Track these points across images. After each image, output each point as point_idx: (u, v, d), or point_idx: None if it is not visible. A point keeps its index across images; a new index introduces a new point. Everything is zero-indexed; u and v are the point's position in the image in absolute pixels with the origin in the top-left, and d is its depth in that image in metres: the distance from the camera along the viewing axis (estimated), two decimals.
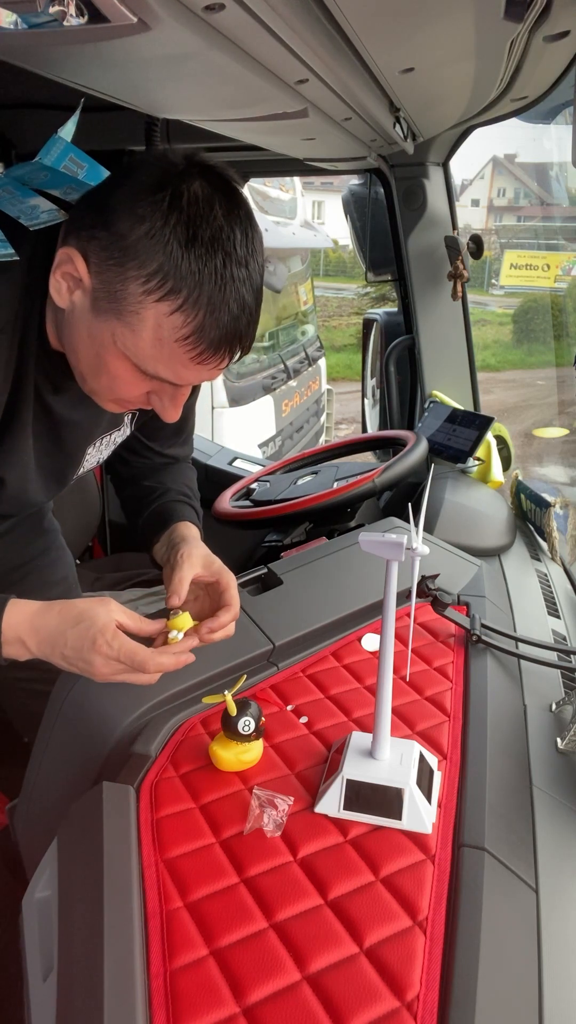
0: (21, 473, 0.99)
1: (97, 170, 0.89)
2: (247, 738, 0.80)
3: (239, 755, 0.80)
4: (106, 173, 0.91)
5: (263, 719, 0.82)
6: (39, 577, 1.31)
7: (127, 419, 1.13)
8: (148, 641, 0.86)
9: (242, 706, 0.80)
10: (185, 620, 0.88)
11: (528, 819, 0.77)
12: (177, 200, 0.76)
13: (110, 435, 1.13)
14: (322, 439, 5.83)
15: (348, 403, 6.87)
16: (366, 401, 2.39)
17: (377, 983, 0.59)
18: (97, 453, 1.13)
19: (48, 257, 0.87)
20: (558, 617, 1.29)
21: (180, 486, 1.20)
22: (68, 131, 0.89)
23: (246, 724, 0.79)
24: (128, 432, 1.15)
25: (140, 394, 0.89)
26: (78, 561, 2.26)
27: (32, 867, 0.76)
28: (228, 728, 0.79)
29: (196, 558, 0.97)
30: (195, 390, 1.14)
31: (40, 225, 0.87)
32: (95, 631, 0.81)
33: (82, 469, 1.13)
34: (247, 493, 1.81)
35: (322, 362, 5.98)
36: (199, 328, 0.79)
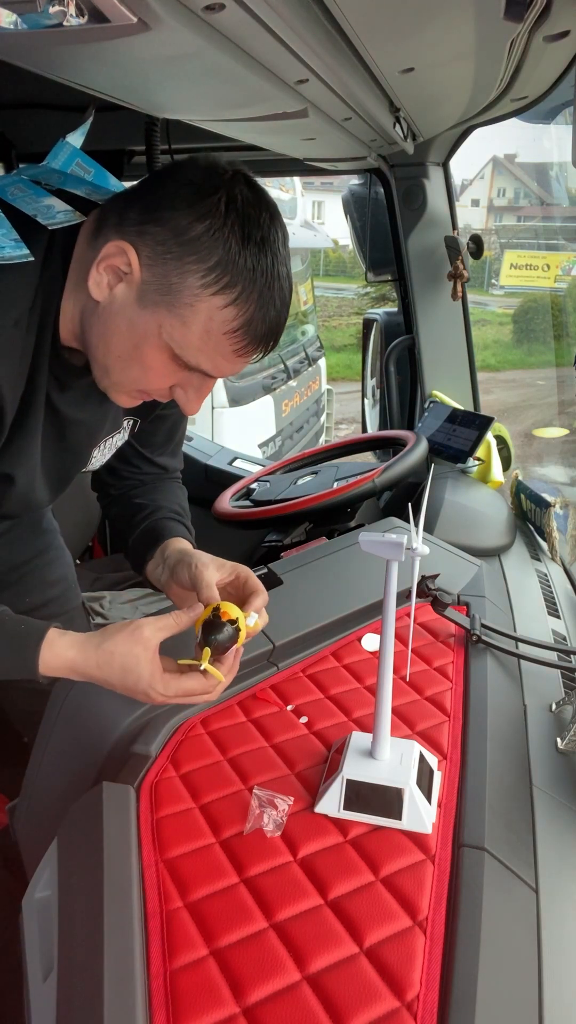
0: (29, 472, 0.99)
1: (104, 175, 0.91)
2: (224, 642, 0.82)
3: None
4: (112, 177, 0.91)
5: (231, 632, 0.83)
6: (37, 576, 1.31)
7: (126, 424, 1.13)
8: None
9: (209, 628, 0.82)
10: (233, 609, 0.86)
11: (528, 819, 0.77)
12: (233, 202, 0.81)
13: (112, 438, 1.13)
14: (322, 439, 5.83)
15: (348, 403, 6.86)
16: (366, 401, 2.39)
17: (377, 983, 0.59)
18: (101, 455, 1.13)
19: (65, 254, 0.88)
20: (558, 617, 1.29)
21: (171, 504, 1.19)
22: (77, 138, 0.89)
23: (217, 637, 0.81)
24: (126, 436, 1.15)
25: (165, 387, 0.91)
26: (78, 561, 2.26)
27: (32, 867, 0.76)
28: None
29: (209, 562, 0.97)
30: None
31: (57, 225, 0.88)
32: (144, 685, 0.81)
33: (86, 469, 1.14)
34: (247, 493, 1.81)
35: (322, 362, 5.98)
36: (248, 322, 0.83)
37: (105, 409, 1.05)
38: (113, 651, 0.81)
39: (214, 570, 0.95)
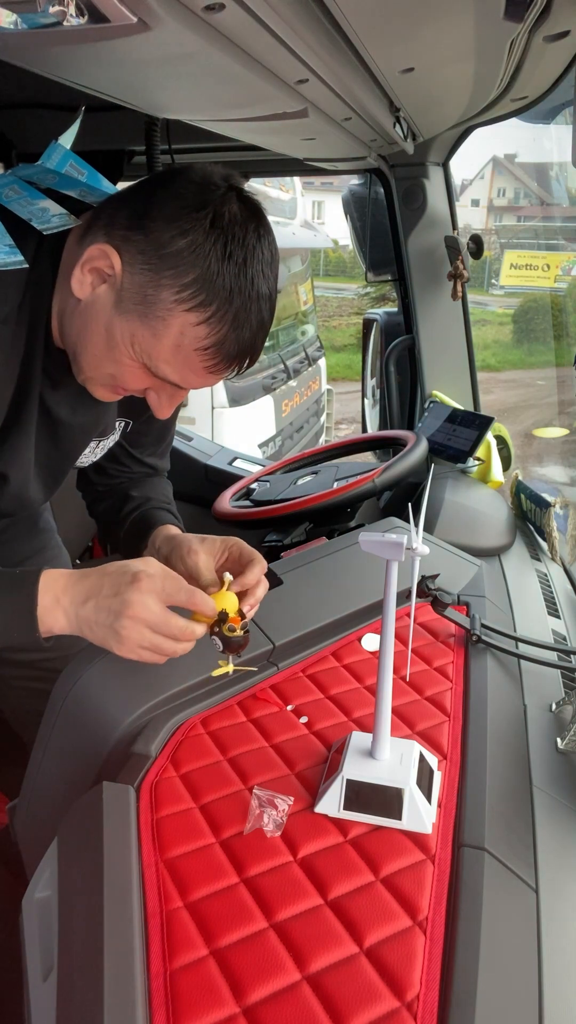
0: (23, 471, 0.99)
1: (96, 177, 0.91)
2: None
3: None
4: (104, 180, 0.91)
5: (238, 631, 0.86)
6: None
7: (118, 425, 1.13)
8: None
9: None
10: (233, 598, 0.88)
11: (528, 819, 0.77)
12: (219, 219, 0.80)
13: (105, 439, 1.13)
14: (322, 439, 5.84)
15: (348, 403, 6.87)
16: (366, 401, 2.39)
17: (377, 983, 0.59)
18: (91, 454, 1.13)
19: (54, 253, 0.89)
20: (558, 617, 1.29)
21: (159, 495, 1.20)
22: (68, 138, 0.89)
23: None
24: (117, 437, 1.15)
25: (139, 388, 0.91)
26: (78, 560, 2.26)
27: (32, 867, 0.76)
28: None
29: (199, 548, 0.97)
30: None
31: (52, 229, 0.88)
32: (129, 579, 0.79)
33: (74, 467, 1.14)
34: (247, 493, 1.81)
35: (322, 362, 5.99)
36: (220, 341, 0.83)
37: (99, 409, 1.05)
38: (109, 566, 0.82)
39: (206, 555, 0.96)
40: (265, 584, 0.94)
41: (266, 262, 0.84)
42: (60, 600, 0.81)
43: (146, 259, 0.81)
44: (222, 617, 0.86)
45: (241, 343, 0.84)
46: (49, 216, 0.87)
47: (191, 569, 0.96)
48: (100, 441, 1.12)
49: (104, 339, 0.86)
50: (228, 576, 0.91)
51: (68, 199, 0.91)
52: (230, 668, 0.87)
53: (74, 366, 0.92)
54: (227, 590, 0.89)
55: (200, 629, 0.85)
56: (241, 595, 0.91)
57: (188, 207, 0.80)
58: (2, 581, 0.82)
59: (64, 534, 1.47)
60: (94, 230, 0.86)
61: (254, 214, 0.83)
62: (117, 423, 1.13)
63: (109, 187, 0.92)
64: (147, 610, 0.79)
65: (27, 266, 0.86)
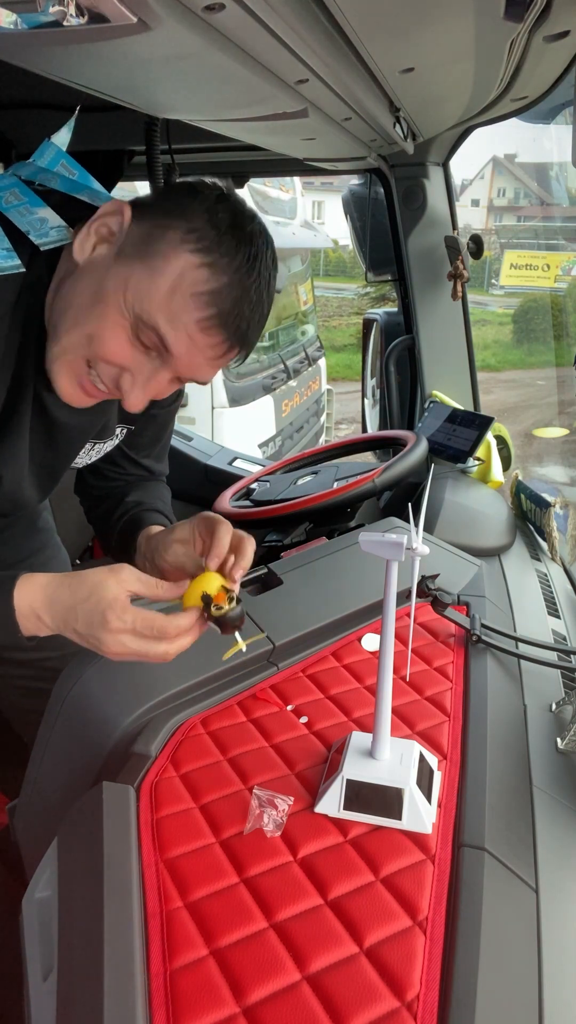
0: (17, 471, 0.99)
1: (86, 176, 0.91)
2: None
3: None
4: (94, 180, 0.92)
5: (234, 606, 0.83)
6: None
7: (119, 432, 1.13)
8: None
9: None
10: (213, 578, 0.84)
11: (528, 819, 0.77)
12: (228, 196, 0.85)
13: (103, 443, 1.12)
14: (322, 439, 5.83)
15: (348, 403, 6.86)
16: (366, 401, 2.39)
17: (377, 983, 0.59)
18: (86, 456, 1.13)
19: (52, 255, 0.88)
20: (558, 617, 1.29)
21: (154, 500, 1.19)
22: (62, 138, 0.89)
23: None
24: (116, 443, 1.15)
25: (115, 361, 0.86)
26: (78, 561, 2.26)
27: (32, 867, 0.76)
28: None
29: (172, 542, 0.95)
30: (174, 401, 1.16)
31: (49, 245, 0.88)
32: (104, 606, 0.77)
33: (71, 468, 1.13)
34: (247, 493, 1.81)
35: (322, 362, 5.99)
36: (219, 290, 0.82)
37: (96, 410, 1.04)
38: (88, 575, 0.80)
39: (181, 545, 0.94)
40: (246, 543, 0.88)
41: (268, 255, 0.86)
42: (40, 615, 0.81)
43: (156, 208, 0.85)
44: (206, 600, 0.82)
45: (237, 307, 0.83)
46: (47, 228, 0.88)
47: (175, 564, 0.95)
48: (96, 444, 1.12)
49: (93, 293, 0.84)
50: (202, 561, 0.87)
51: (71, 200, 0.91)
52: (241, 645, 0.83)
53: (50, 341, 0.88)
54: (206, 572, 0.85)
55: (186, 620, 0.81)
56: (225, 570, 0.87)
57: (197, 186, 0.86)
58: None
59: (64, 534, 1.47)
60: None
61: (254, 213, 0.87)
62: (119, 429, 1.13)
63: (99, 188, 0.93)
64: (123, 647, 0.79)
65: (24, 270, 0.86)
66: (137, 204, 0.86)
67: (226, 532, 0.88)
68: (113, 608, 0.77)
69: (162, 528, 1.07)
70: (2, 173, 0.91)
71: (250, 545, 0.88)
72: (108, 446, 1.14)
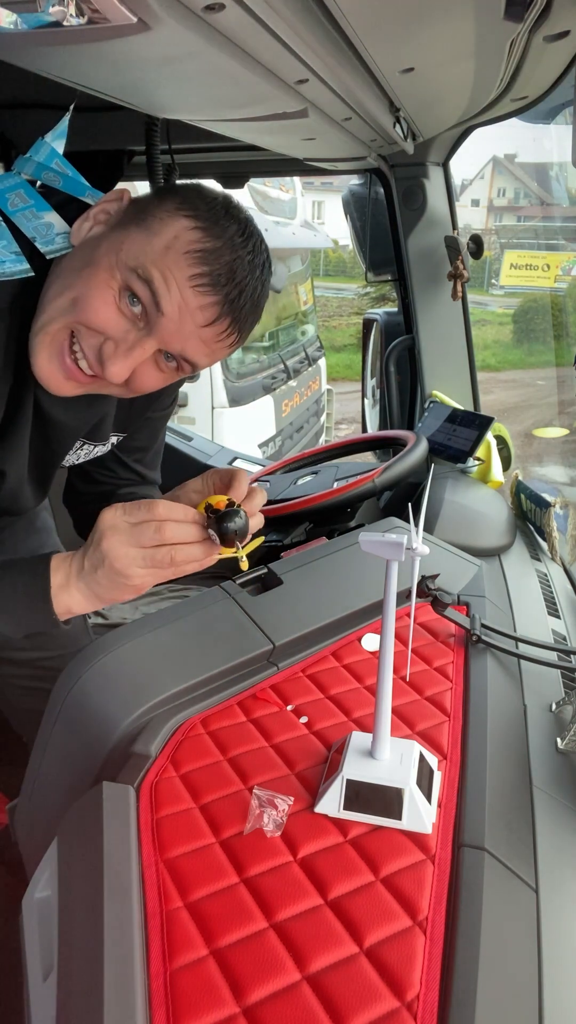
0: (19, 468, 0.99)
1: (77, 176, 0.92)
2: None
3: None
4: (83, 179, 0.93)
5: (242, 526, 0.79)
6: None
7: (112, 439, 1.12)
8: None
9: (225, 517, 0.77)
10: (221, 499, 0.82)
11: (528, 819, 0.77)
12: (217, 197, 0.87)
13: (93, 446, 1.12)
14: (322, 439, 5.84)
15: (348, 403, 6.87)
16: (366, 401, 2.39)
17: (377, 983, 0.59)
18: (73, 455, 1.12)
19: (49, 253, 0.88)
20: (558, 617, 1.29)
21: (144, 494, 1.19)
22: (58, 135, 0.90)
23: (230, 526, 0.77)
24: (109, 448, 1.14)
25: (98, 330, 0.83)
26: None
27: (32, 867, 0.76)
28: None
29: (183, 491, 0.93)
30: (169, 406, 1.17)
31: (55, 253, 0.89)
32: (98, 536, 0.79)
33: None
34: None
35: (322, 362, 5.99)
36: (212, 250, 0.82)
37: (91, 412, 1.04)
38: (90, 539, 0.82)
39: (193, 499, 0.90)
40: (259, 494, 0.87)
41: (261, 243, 0.88)
42: (70, 579, 0.83)
43: (154, 193, 0.88)
44: (208, 509, 0.79)
45: (231, 269, 0.83)
46: (53, 235, 0.89)
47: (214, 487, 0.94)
48: (86, 444, 1.11)
49: (83, 260, 0.85)
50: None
51: (72, 200, 0.92)
52: (240, 553, 0.79)
53: (35, 320, 0.86)
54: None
55: (179, 511, 0.78)
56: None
57: (191, 186, 0.88)
58: (16, 568, 0.84)
59: (64, 535, 1.47)
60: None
61: (249, 215, 0.90)
62: (113, 438, 1.12)
63: (89, 187, 0.93)
64: (134, 562, 0.78)
65: (32, 274, 0.86)
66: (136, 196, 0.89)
67: (244, 479, 0.87)
68: (107, 533, 0.78)
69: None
70: (5, 173, 0.91)
71: (260, 497, 0.87)
72: (99, 451, 1.13)
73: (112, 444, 1.13)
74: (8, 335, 0.88)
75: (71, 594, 0.84)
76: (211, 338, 0.85)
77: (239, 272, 0.83)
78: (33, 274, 0.86)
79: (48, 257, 0.88)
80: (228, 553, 0.80)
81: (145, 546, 0.78)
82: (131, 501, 0.81)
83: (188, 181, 0.93)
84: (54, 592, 0.83)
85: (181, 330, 0.83)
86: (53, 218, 0.88)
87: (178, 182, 0.93)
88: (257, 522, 0.84)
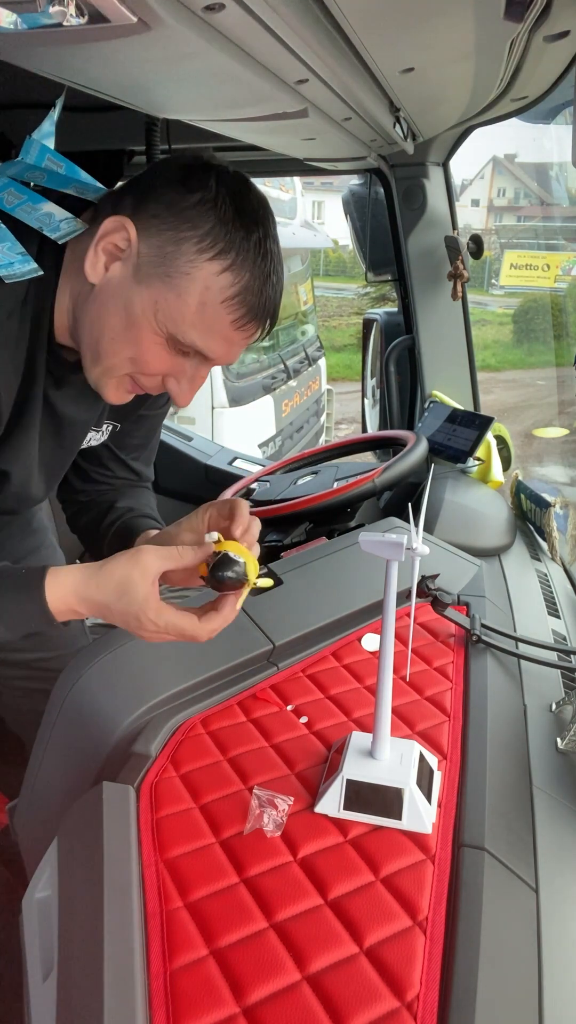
0: (25, 468, 0.99)
1: (74, 169, 0.90)
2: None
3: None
4: (83, 172, 0.92)
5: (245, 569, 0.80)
6: None
7: (105, 428, 1.12)
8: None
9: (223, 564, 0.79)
10: (232, 544, 0.83)
11: (528, 819, 0.77)
12: (223, 179, 0.83)
13: (93, 432, 1.12)
14: (322, 439, 5.83)
15: (348, 403, 6.87)
16: (366, 401, 2.39)
17: (377, 983, 0.59)
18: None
19: (58, 251, 0.89)
20: (558, 617, 1.29)
21: (143, 505, 1.18)
22: (43, 132, 0.89)
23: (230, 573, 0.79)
24: (103, 439, 1.14)
25: (158, 375, 0.90)
26: (78, 561, 2.26)
27: (32, 867, 0.76)
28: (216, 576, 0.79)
29: (180, 529, 0.95)
30: (164, 404, 1.17)
31: (64, 238, 0.88)
32: (136, 609, 0.79)
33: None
34: (247, 493, 1.81)
35: (322, 362, 5.99)
36: (245, 289, 0.83)
37: (98, 406, 1.05)
38: (113, 571, 0.80)
39: (190, 533, 0.93)
40: (255, 523, 0.89)
41: (271, 222, 0.87)
42: (74, 608, 0.82)
43: (161, 220, 0.83)
44: (223, 554, 0.81)
45: (264, 293, 0.85)
46: (56, 222, 0.88)
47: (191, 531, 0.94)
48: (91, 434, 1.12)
49: (123, 318, 0.85)
50: (211, 536, 0.85)
51: (65, 197, 0.91)
52: (249, 586, 0.81)
53: (88, 359, 0.90)
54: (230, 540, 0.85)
55: (217, 622, 0.82)
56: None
57: (192, 171, 0.84)
58: (7, 582, 0.82)
59: (64, 535, 1.46)
60: (101, 217, 0.87)
61: (249, 182, 0.87)
62: (106, 425, 1.12)
63: (87, 178, 0.92)
64: (160, 639, 0.82)
65: (41, 272, 0.86)
66: (136, 212, 0.84)
67: (245, 509, 0.89)
68: (146, 610, 0.79)
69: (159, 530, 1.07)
70: None
71: (256, 525, 0.90)
72: (94, 440, 1.13)
73: (104, 433, 1.13)
74: (19, 335, 0.88)
75: (75, 614, 0.84)
76: (251, 342, 0.91)
77: (269, 289, 0.86)
78: (42, 273, 0.86)
79: (60, 242, 0.88)
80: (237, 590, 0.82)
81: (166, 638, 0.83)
82: (167, 554, 0.81)
83: (175, 170, 0.86)
84: (53, 610, 0.82)
85: (229, 354, 0.90)
86: (51, 208, 0.88)
87: (164, 168, 0.88)
88: (257, 549, 0.87)
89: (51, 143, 0.89)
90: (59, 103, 0.89)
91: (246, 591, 0.83)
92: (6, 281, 0.84)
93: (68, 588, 0.82)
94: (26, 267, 0.85)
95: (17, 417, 0.92)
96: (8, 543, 1.31)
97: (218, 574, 0.79)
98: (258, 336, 0.89)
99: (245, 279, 0.83)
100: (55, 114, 0.89)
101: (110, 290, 0.85)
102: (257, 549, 0.87)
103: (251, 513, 0.90)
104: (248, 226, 0.83)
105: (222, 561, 0.79)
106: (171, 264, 0.82)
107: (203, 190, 0.82)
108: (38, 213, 0.87)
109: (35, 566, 0.83)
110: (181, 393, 0.92)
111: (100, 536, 1.14)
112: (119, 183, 0.98)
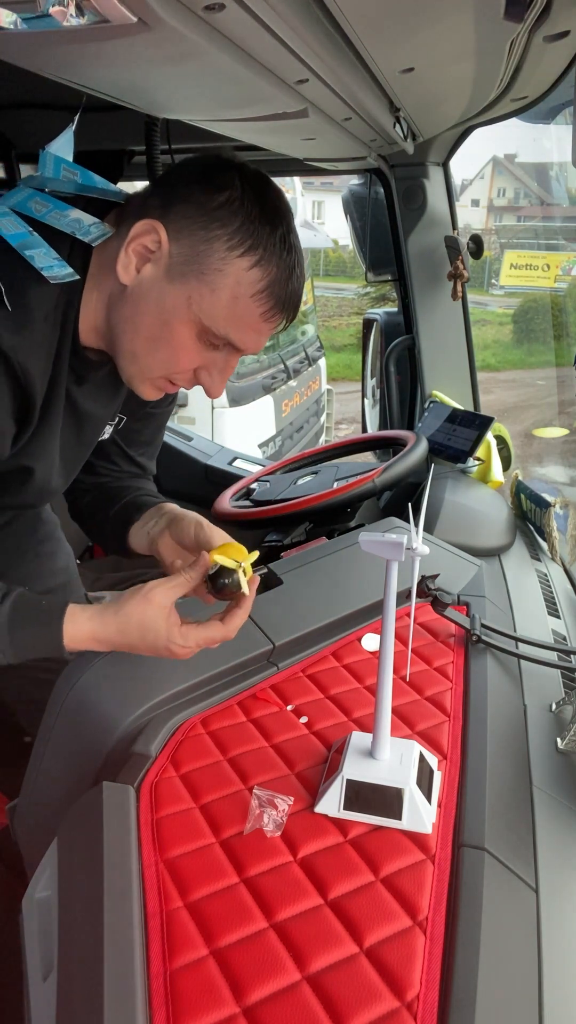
0: (48, 464, 1.02)
1: (88, 175, 0.92)
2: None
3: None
4: (96, 176, 0.93)
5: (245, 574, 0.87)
6: (40, 566, 1.32)
7: (111, 421, 1.15)
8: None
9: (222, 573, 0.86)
10: (235, 549, 0.90)
11: (528, 819, 0.77)
12: (245, 177, 0.87)
13: (107, 427, 1.15)
14: (322, 439, 5.83)
15: (348, 403, 6.86)
16: (366, 401, 2.39)
17: (377, 983, 0.59)
18: None
19: (84, 252, 0.91)
20: (558, 617, 1.29)
21: (149, 490, 1.23)
22: (64, 142, 0.90)
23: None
24: (109, 432, 1.17)
25: (191, 369, 0.94)
26: (78, 560, 2.25)
27: (32, 867, 0.76)
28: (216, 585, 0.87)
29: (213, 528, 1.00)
30: (172, 402, 1.21)
31: (97, 240, 0.90)
32: (164, 641, 0.84)
33: None
34: (247, 493, 1.81)
35: (322, 362, 5.98)
36: (273, 282, 0.88)
37: (116, 402, 1.09)
38: (130, 615, 0.85)
39: (212, 532, 1.00)
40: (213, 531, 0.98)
41: (291, 217, 0.91)
42: (90, 647, 0.87)
43: (192, 221, 0.86)
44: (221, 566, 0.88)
45: (289, 285, 0.89)
46: (87, 227, 0.90)
47: (203, 543, 0.98)
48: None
49: (157, 316, 0.89)
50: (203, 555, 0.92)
51: (88, 201, 0.93)
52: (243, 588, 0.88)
53: (124, 359, 0.94)
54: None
55: (240, 618, 0.88)
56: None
57: (214, 171, 0.87)
58: (27, 613, 0.86)
59: (64, 534, 1.47)
60: (127, 219, 0.89)
61: (267, 177, 0.91)
62: (116, 418, 1.15)
63: (103, 182, 0.94)
64: (183, 646, 0.86)
65: (78, 277, 0.88)
66: (164, 215, 0.87)
67: (201, 527, 0.99)
68: (173, 639, 0.85)
69: (182, 513, 1.12)
70: (15, 189, 0.92)
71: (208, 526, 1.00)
72: (106, 432, 1.16)
73: (111, 424, 1.16)
74: (51, 338, 0.90)
75: (95, 648, 0.89)
76: (271, 334, 0.95)
77: (294, 281, 0.90)
78: (78, 277, 0.88)
79: (93, 245, 0.90)
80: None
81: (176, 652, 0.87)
82: (174, 584, 0.87)
83: (195, 168, 0.89)
84: (68, 645, 0.86)
85: (257, 344, 0.94)
86: (78, 214, 0.90)
87: (186, 168, 0.90)
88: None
89: (68, 155, 0.91)
90: (76, 118, 0.92)
91: (248, 580, 0.89)
92: (51, 282, 0.86)
93: (86, 632, 0.86)
94: (64, 271, 0.87)
95: (43, 415, 0.95)
96: (18, 533, 1.32)
97: (218, 582, 0.87)
98: (282, 327, 0.94)
99: (273, 273, 0.87)
100: (72, 127, 0.91)
101: (142, 290, 0.89)
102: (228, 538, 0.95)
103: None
104: (273, 222, 0.87)
105: (217, 573, 0.87)
106: (203, 262, 0.86)
107: (229, 189, 0.85)
108: (67, 219, 0.90)
109: (55, 601, 0.87)
110: (214, 384, 0.96)
111: (108, 505, 1.18)
112: (120, 182, 0.98)
